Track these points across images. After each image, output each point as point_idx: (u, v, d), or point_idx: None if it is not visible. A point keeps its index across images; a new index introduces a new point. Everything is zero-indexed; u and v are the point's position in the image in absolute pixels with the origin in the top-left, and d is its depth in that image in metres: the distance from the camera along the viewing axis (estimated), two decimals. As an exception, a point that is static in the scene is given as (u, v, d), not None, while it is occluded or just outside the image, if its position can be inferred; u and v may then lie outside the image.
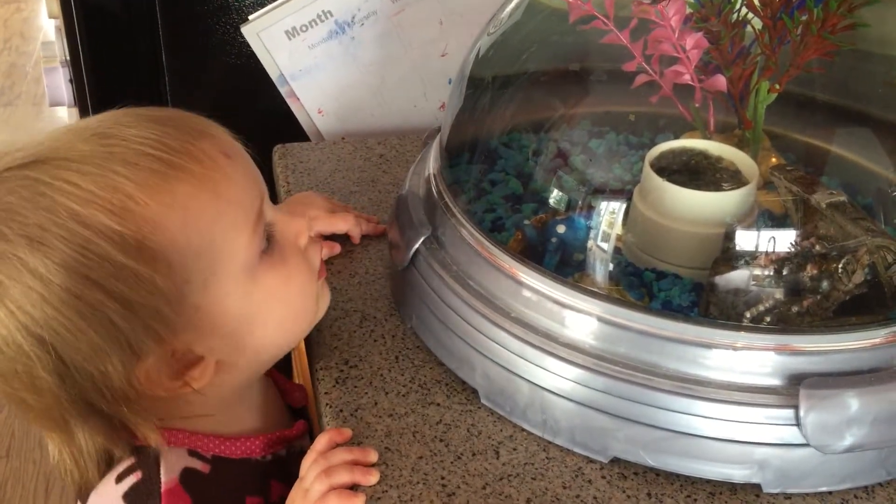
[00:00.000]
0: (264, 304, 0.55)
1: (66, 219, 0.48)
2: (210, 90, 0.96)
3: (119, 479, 0.54)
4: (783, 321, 0.58)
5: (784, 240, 0.61)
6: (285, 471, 0.60)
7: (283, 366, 0.70)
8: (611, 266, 0.64)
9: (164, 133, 0.51)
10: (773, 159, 0.78)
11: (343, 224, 0.75)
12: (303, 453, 0.58)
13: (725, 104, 0.75)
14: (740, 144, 0.76)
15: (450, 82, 0.80)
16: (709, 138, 0.76)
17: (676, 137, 0.80)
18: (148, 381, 0.51)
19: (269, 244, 0.55)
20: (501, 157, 0.81)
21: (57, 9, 0.89)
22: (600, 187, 0.72)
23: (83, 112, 0.94)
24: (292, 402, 0.67)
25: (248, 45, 0.90)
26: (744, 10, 0.72)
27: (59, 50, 0.99)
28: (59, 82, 0.94)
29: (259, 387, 0.63)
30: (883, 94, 0.75)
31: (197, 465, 0.55)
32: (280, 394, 0.67)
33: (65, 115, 1.04)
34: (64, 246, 0.47)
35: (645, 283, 0.64)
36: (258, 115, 0.96)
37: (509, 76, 0.81)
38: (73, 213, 0.48)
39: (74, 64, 0.89)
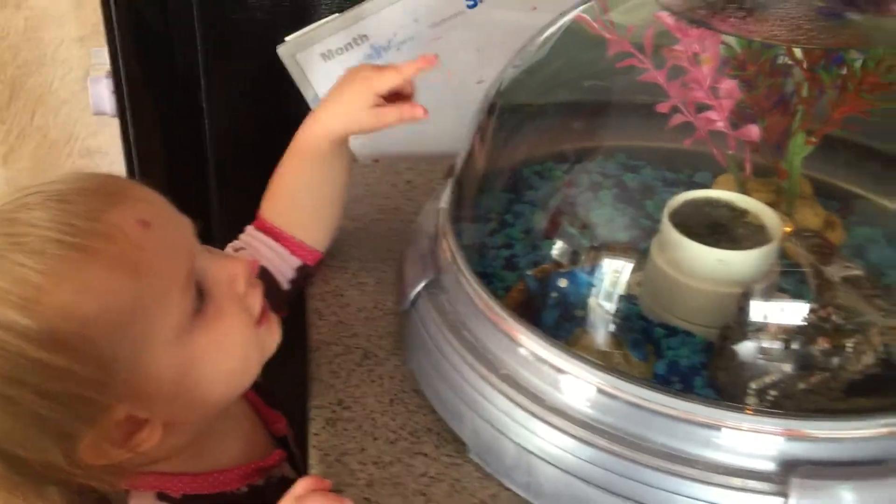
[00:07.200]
0: (203, 363, 0.53)
1: None
2: (246, 106, 0.97)
3: None
4: (788, 397, 0.55)
5: (799, 309, 0.58)
6: (264, 501, 0.59)
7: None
8: (618, 321, 0.62)
9: (72, 213, 0.49)
10: (811, 211, 0.74)
11: (393, 77, 0.71)
12: (282, 482, 0.58)
13: (761, 152, 0.72)
14: (777, 193, 0.73)
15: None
16: (742, 185, 0.73)
17: (714, 177, 0.77)
18: (94, 456, 0.50)
19: (203, 299, 0.53)
20: (518, 191, 0.78)
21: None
22: (615, 237, 0.69)
23: (123, 124, 0.95)
24: (275, 431, 0.67)
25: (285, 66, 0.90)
26: (781, 58, 0.69)
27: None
28: (103, 92, 0.95)
29: (235, 417, 0.62)
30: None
31: None
32: (262, 421, 0.66)
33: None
34: None
35: (653, 340, 0.62)
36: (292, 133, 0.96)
37: (537, 107, 0.79)
38: None
39: (115, 75, 0.91)
